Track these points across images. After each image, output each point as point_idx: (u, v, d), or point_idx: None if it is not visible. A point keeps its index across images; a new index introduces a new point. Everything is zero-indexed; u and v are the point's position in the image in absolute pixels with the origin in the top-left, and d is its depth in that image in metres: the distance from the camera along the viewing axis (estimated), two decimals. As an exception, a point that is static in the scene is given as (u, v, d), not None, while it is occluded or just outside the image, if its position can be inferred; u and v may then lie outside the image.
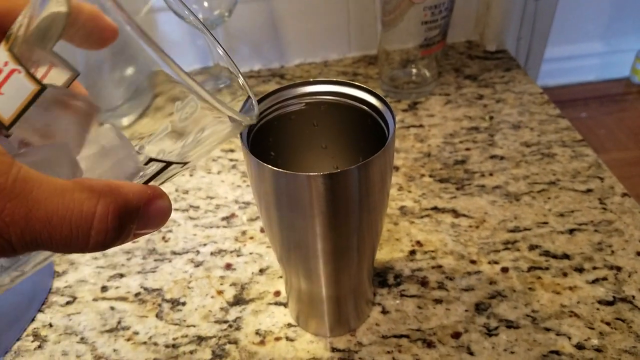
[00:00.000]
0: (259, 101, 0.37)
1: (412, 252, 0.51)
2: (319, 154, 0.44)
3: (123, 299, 0.49)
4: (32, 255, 0.24)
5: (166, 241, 0.54)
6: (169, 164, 0.24)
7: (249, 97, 0.30)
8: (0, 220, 0.18)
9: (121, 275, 0.51)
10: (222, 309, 0.47)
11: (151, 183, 0.25)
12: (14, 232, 0.19)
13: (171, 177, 0.26)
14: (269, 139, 0.40)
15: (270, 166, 0.32)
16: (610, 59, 2.24)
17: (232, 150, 0.65)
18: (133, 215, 0.21)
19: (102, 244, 0.21)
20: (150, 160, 0.23)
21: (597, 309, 0.45)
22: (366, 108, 0.38)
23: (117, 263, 0.52)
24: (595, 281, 0.47)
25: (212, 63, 0.70)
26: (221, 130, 0.25)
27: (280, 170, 0.32)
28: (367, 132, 0.39)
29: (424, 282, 0.48)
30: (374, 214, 0.37)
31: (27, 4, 0.22)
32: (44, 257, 0.25)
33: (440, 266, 0.49)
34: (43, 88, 0.20)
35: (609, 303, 0.45)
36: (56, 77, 0.20)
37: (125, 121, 0.23)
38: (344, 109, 0.39)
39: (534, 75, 0.85)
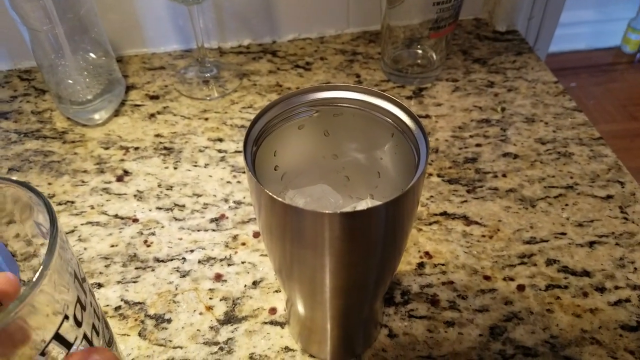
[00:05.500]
0: (266, 110, 0.32)
1: (421, 265, 0.46)
2: (329, 164, 0.38)
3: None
4: None
5: (148, 246, 0.48)
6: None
7: None
8: None
9: (99, 285, 0.45)
10: (211, 328, 0.42)
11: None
12: None
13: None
14: (273, 151, 0.34)
15: (281, 200, 0.27)
16: (601, 27, 2.19)
17: (220, 140, 0.59)
18: None
19: None
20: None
21: (620, 335, 0.41)
22: (390, 121, 0.33)
23: (94, 270, 0.46)
24: (617, 303, 0.44)
25: (196, 45, 0.63)
26: None
27: (293, 205, 0.27)
28: (386, 144, 0.34)
29: (434, 301, 0.44)
30: (399, 247, 0.32)
31: None
32: None
33: (451, 282, 0.45)
34: None
35: (633, 329, 0.42)
36: None
37: None
38: (362, 117, 0.34)
39: (542, 56, 0.79)
